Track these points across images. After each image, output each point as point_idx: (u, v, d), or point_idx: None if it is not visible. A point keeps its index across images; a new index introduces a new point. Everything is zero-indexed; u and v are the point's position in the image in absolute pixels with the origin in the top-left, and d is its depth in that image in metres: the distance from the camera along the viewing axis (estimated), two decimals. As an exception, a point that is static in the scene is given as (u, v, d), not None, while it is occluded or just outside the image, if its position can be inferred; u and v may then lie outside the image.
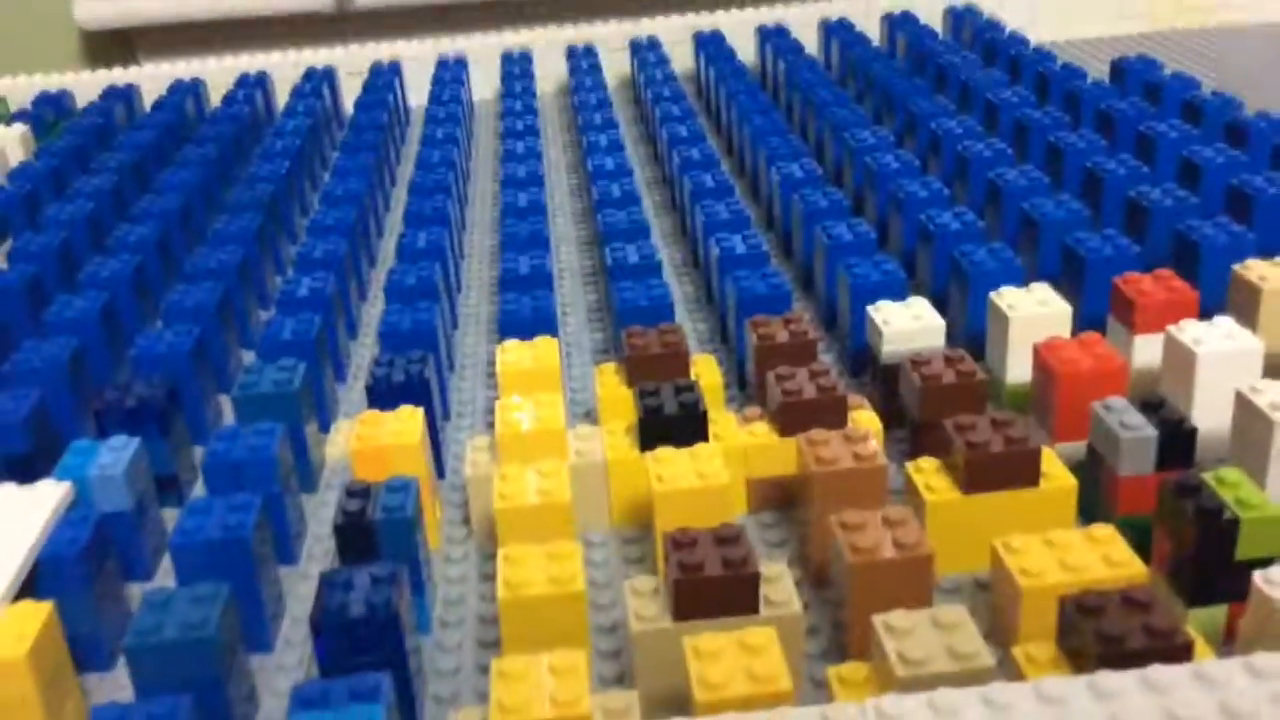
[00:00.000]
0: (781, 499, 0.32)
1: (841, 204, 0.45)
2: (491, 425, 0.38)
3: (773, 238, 0.50)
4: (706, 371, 0.35)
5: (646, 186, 0.58)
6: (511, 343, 0.36)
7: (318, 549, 0.33)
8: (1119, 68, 0.59)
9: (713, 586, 0.25)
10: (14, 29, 1.08)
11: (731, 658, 0.23)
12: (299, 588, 0.31)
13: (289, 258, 0.51)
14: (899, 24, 0.70)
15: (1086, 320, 0.37)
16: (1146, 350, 0.35)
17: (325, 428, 0.38)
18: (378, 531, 0.28)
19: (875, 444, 0.29)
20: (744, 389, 0.38)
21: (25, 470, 0.33)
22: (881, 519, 0.26)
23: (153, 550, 0.32)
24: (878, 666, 0.23)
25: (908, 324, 0.35)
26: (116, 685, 0.28)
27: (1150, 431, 0.29)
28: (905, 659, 0.22)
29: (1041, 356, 0.32)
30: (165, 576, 0.32)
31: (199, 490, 0.35)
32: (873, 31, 0.73)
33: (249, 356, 0.43)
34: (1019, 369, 0.35)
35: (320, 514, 0.34)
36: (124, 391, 0.34)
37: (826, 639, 0.27)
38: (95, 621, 0.28)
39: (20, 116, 0.67)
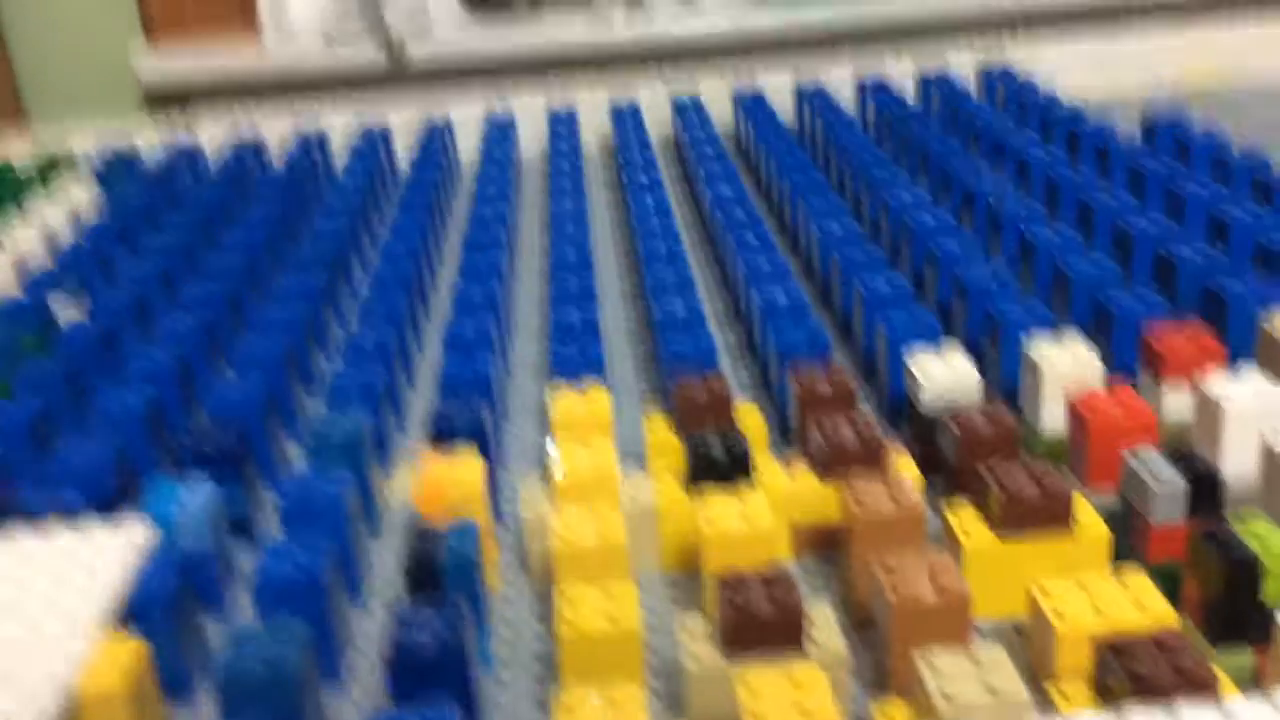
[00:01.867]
0: (824, 544, 0.33)
1: (879, 260, 0.46)
2: (543, 469, 0.39)
3: (812, 290, 0.51)
4: (750, 419, 0.37)
5: (690, 242, 0.60)
6: (564, 390, 0.38)
7: (382, 589, 0.34)
8: (1150, 125, 0.60)
9: (761, 626, 0.26)
10: (78, 85, 1.13)
11: (781, 692, 0.24)
12: (365, 626, 0.33)
13: (351, 310, 0.53)
14: (935, 85, 0.72)
15: (1117, 373, 0.39)
16: (1175, 402, 0.36)
17: (387, 473, 0.40)
18: (445, 572, 0.30)
19: (914, 490, 0.31)
20: (785, 435, 0.40)
21: (107, 513, 0.35)
22: (921, 562, 0.28)
23: (228, 588, 0.34)
24: (919, 703, 0.25)
25: (945, 375, 0.36)
26: (202, 716, 0.30)
27: (1180, 482, 0.30)
28: (946, 694, 0.24)
29: (1075, 407, 0.34)
30: (237, 613, 0.34)
31: (270, 531, 0.37)
32: (909, 91, 0.75)
33: (313, 404, 0.45)
34: (1052, 419, 0.36)
35: (384, 556, 0.36)
36: (201, 437, 0.37)
37: (868, 679, 0.29)
38: (177, 657, 0.30)
39: (89, 172, 0.70)
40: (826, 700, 0.24)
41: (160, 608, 0.30)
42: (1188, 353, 0.36)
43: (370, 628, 0.33)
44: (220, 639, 0.32)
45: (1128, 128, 0.61)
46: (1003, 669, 0.24)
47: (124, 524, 0.31)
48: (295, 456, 0.42)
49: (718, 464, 0.33)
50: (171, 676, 0.30)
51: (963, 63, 0.77)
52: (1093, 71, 0.79)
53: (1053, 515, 0.30)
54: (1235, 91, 0.77)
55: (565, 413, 0.37)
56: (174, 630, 0.30)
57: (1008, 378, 0.39)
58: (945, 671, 0.24)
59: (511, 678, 0.30)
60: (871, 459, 0.33)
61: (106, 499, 0.35)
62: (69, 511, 0.33)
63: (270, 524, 0.38)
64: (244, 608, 0.34)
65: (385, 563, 0.36)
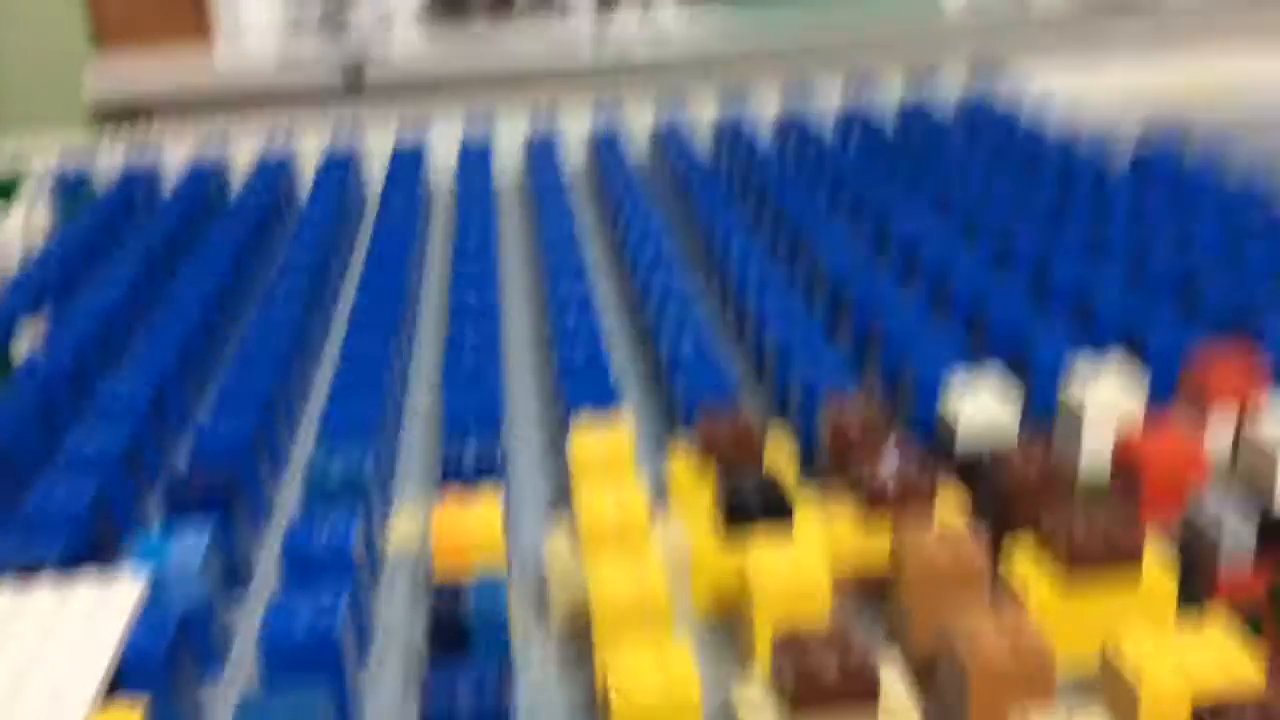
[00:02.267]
0: (868, 589, 0.31)
1: (892, 287, 0.45)
2: (552, 510, 0.37)
3: (822, 314, 0.49)
4: (781, 454, 0.35)
5: (679, 260, 0.58)
6: (584, 429, 0.36)
7: (391, 645, 0.32)
8: (1145, 154, 0.60)
9: (829, 695, 0.24)
10: (25, 100, 1.08)
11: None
12: (376, 686, 0.30)
13: (333, 341, 0.51)
14: (913, 116, 0.72)
15: (1152, 403, 0.37)
16: (1219, 433, 0.35)
17: (385, 516, 0.37)
18: (472, 632, 0.27)
19: (973, 538, 0.29)
20: (809, 468, 0.38)
21: (85, 563, 0.32)
22: (992, 618, 0.26)
23: (223, 645, 0.31)
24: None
25: (981, 411, 0.35)
26: (197, 792, 0.27)
27: (1249, 522, 0.28)
28: (1048, 767, 0.22)
29: (1125, 446, 0.32)
30: (234, 670, 0.31)
31: (260, 578, 0.35)
32: (886, 116, 0.74)
33: (298, 442, 0.43)
34: (1094, 457, 0.35)
35: (390, 607, 0.33)
36: (188, 479, 0.34)
37: (933, 738, 0.27)
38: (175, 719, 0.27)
39: (42, 190, 0.67)
40: (918, 775, 0.22)
41: (155, 669, 0.27)
42: (1232, 381, 0.35)
43: (382, 687, 0.30)
44: (226, 708, 0.29)
45: (1120, 154, 0.61)
46: (1103, 737, 0.23)
47: (115, 577, 0.29)
48: (283, 499, 0.39)
49: (756, 506, 0.31)
50: (168, 748, 0.27)
51: (948, 85, 0.76)
52: (1083, 94, 0.78)
53: (1123, 563, 0.28)
54: (1229, 117, 0.77)
55: (585, 451, 0.34)
56: (170, 695, 0.27)
57: (1038, 413, 0.37)
58: (1043, 741, 0.22)
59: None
60: (920, 499, 0.31)
61: (84, 548, 0.32)
62: (44, 563, 0.30)
63: (265, 572, 0.35)
64: (242, 667, 0.31)
65: (392, 614, 0.33)
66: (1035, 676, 0.25)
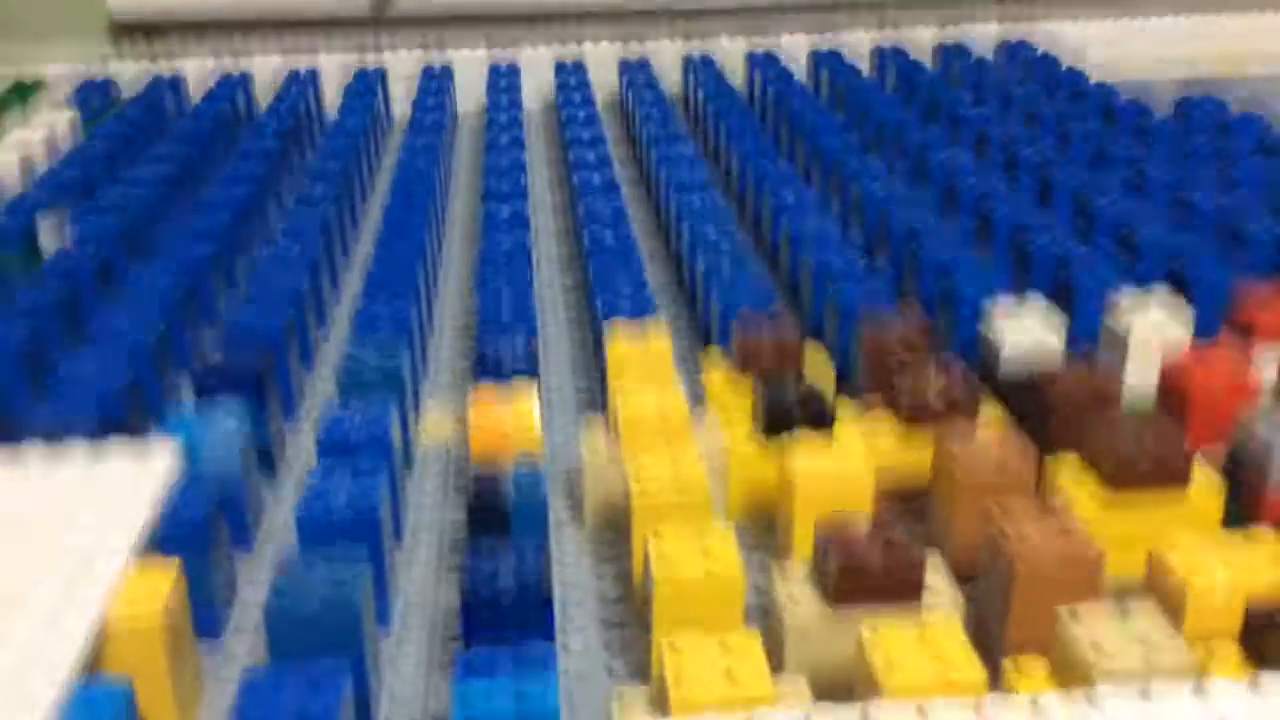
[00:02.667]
0: (906, 498, 0.31)
1: (933, 218, 0.44)
2: (584, 410, 0.37)
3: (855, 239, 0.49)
4: (819, 364, 0.35)
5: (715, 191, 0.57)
6: (620, 329, 0.35)
7: (422, 533, 0.32)
8: (1183, 104, 0.59)
9: (874, 576, 0.24)
10: (44, 18, 1.07)
11: (911, 646, 0.22)
12: (407, 568, 0.30)
13: (360, 247, 0.50)
14: (952, 52, 0.71)
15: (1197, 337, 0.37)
16: (1263, 369, 0.35)
17: (417, 408, 0.37)
18: (512, 514, 0.27)
19: (1017, 444, 0.29)
20: (845, 382, 0.37)
21: (120, 435, 0.31)
22: (1041, 522, 0.25)
23: (254, 519, 0.31)
24: (1061, 659, 0.22)
25: (1025, 333, 0.34)
26: (226, 652, 0.27)
27: (1301, 441, 0.28)
28: (1101, 650, 0.22)
29: (1172, 369, 0.32)
30: (265, 546, 0.31)
31: (291, 465, 0.34)
32: (922, 61, 0.73)
33: (328, 341, 0.42)
34: (1138, 383, 0.34)
35: (420, 500, 0.33)
36: (220, 363, 0.34)
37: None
38: (208, 588, 0.27)
39: (64, 98, 0.66)
40: (966, 653, 0.22)
41: (191, 537, 0.26)
42: (1276, 318, 0.34)
43: (414, 570, 0.30)
44: (258, 581, 0.29)
45: (1161, 99, 0.60)
46: (1157, 624, 0.22)
47: (147, 447, 0.28)
48: (313, 393, 0.39)
49: (798, 412, 0.31)
50: (198, 610, 0.27)
51: (983, 34, 0.76)
52: (1108, 53, 0.77)
53: (1167, 474, 0.28)
54: (1250, 80, 0.76)
55: (623, 355, 0.34)
56: (205, 562, 0.27)
57: (1080, 339, 0.37)
58: (1095, 627, 0.22)
59: (580, 624, 0.28)
60: (962, 410, 0.31)
61: (116, 421, 0.32)
62: (77, 432, 0.30)
63: (295, 460, 0.35)
64: (273, 543, 0.31)
65: (422, 507, 0.33)
66: (1081, 578, 0.24)
